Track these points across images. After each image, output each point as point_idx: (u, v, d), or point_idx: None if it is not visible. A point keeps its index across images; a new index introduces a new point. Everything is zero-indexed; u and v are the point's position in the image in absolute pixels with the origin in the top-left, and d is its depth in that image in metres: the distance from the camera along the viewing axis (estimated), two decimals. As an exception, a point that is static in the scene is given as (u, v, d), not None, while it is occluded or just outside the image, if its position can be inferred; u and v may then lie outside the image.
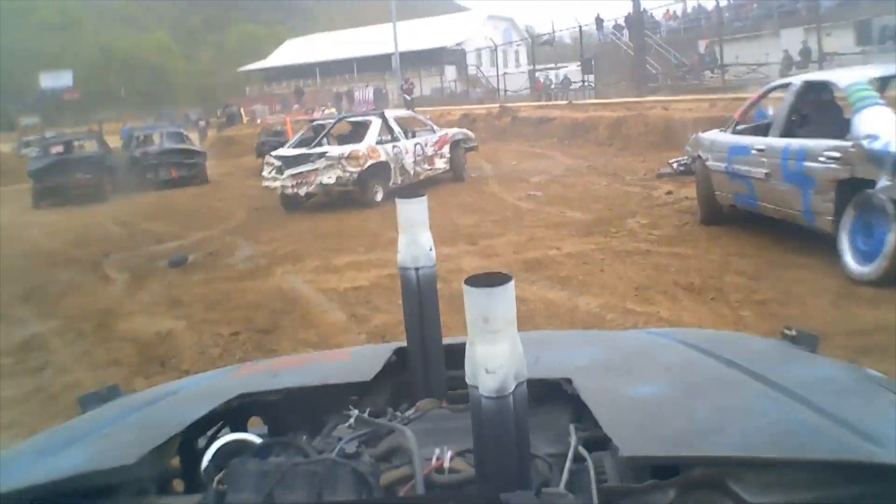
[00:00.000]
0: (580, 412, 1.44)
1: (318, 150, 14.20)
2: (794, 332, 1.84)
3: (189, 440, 1.55)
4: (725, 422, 1.33)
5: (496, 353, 1.09)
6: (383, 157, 14.13)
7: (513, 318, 1.10)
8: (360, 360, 1.89)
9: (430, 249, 1.64)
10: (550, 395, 1.53)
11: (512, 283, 1.09)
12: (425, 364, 1.67)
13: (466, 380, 1.13)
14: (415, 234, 1.62)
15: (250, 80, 71.82)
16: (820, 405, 1.34)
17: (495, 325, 1.08)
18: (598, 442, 1.31)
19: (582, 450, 1.27)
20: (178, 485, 1.54)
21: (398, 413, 1.56)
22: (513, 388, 1.11)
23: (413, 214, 1.62)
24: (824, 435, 1.24)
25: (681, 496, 1.16)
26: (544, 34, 44.60)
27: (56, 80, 63.55)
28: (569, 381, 1.51)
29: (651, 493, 1.17)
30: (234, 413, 1.65)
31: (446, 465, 1.26)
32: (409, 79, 40.00)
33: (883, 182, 6.10)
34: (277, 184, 14.25)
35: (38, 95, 61.19)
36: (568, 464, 1.24)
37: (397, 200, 1.63)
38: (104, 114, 58.62)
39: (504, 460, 1.15)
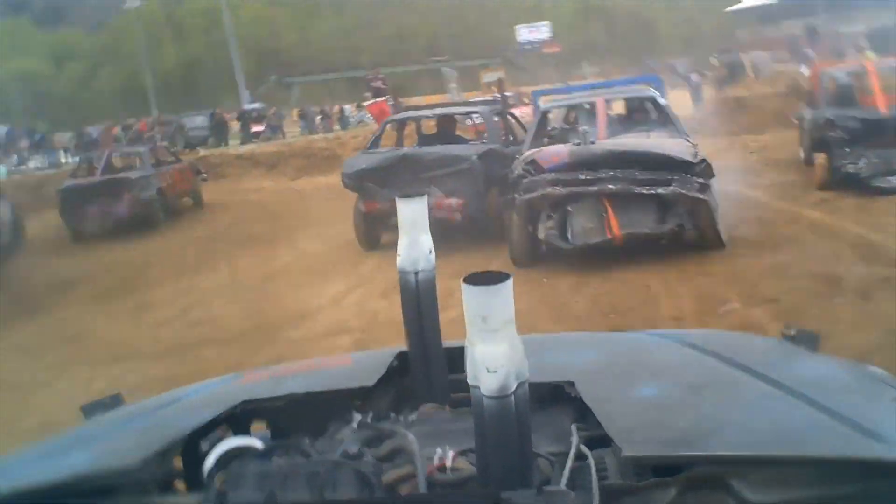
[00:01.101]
0: (583, 414, 1.42)
1: None
2: (793, 332, 1.80)
3: (192, 446, 1.51)
4: (727, 421, 1.31)
5: (496, 353, 1.07)
6: None
7: (511, 317, 1.08)
8: (362, 365, 1.86)
9: (430, 252, 1.57)
10: (553, 397, 1.51)
11: (510, 281, 1.07)
12: (426, 368, 1.63)
13: (468, 380, 1.12)
14: (415, 236, 1.55)
15: (740, 21, 58.94)
16: (821, 403, 1.32)
17: (494, 324, 1.06)
18: (600, 440, 1.29)
19: (584, 448, 1.27)
20: (179, 484, 1.49)
21: (401, 417, 1.54)
22: (514, 387, 1.10)
23: (412, 215, 1.55)
24: (826, 432, 1.23)
25: (682, 494, 1.14)
26: None
27: (533, 33, 57.86)
28: (571, 384, 1.49)
29: (653, 492, 1.15)
30: (236, 419, 1.62)
31: (448, 464, 1.24)
32: None
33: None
34: None
35: (516, 50, 54.88)
36: (569, 462, 1.23)
37: (397, 200, 1.55)
38: (586, 68, 52.38)
39: (506, 460, 1.14)
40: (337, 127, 38.01)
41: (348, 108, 40.38)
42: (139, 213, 15.27)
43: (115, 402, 1.88)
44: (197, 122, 35.21)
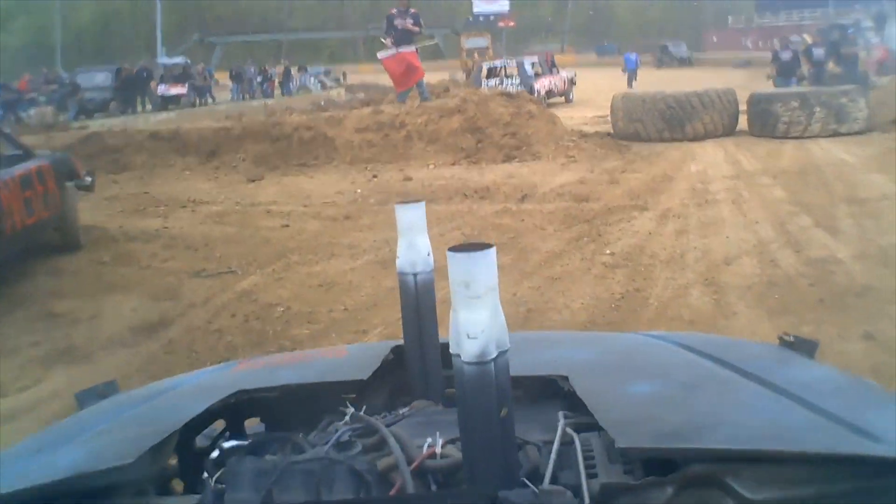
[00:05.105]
0: (576, 410, 1.35)
1: None
2: (791, 338, 1.72)
3: (187, 438, 1.46)
4: (721, 418, 1.26)
5: (478, 319, 1.05)
6: None
7: (494, 286, 1.06)
8: (357, 357, 1.79)
9: (428, 254, 1.53)
10: (546, 393, 1.47)
11: (493, 249, 1.05)
12: (423, 364, 1.57)
13: (451, 349, 1.09)
14: (413, 239, 1.52)
15: (734, 8, 52.66)
16: (816, 403, 1.26)
17: (476, 290, 1.05)
18: (587, 427, 1.25)
19: (570, 430, 1.23)
20: (177, 483, 1.44)
21: (392, 412, 1.47)
22: (494, 355, 1.07)
23: (411, 219, 1.51)
24: (821, 430, 1.18)
25: (678, 493, 1.08)
26: None
27: (490, 4, 52.08)
28: (565, 378, 1.44)
29: (649, 490, 1.09)
30: (231, 410, 1.55)
31: (438, 450, 1.18)
32: None
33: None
34: None
35: (469, 22, 47.83)
36: (556, 444, 1.19)
37: (396, 206, 1.52)
38: (538, 45, 47.14)
39: (486, 427, 1.09)
40: (277, 92, 29.02)
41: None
42: None
43: (109, 389, 1.79)
44: (97, 80, 25.53)
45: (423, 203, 1.52)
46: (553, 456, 1.16)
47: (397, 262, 1.54)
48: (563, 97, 23.68)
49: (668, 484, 1.08)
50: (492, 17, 51.00)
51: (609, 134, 13.45)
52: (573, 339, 2.14)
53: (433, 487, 1.17)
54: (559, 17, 62.71)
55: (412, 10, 13.55)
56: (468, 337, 1.06)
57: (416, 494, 1.12)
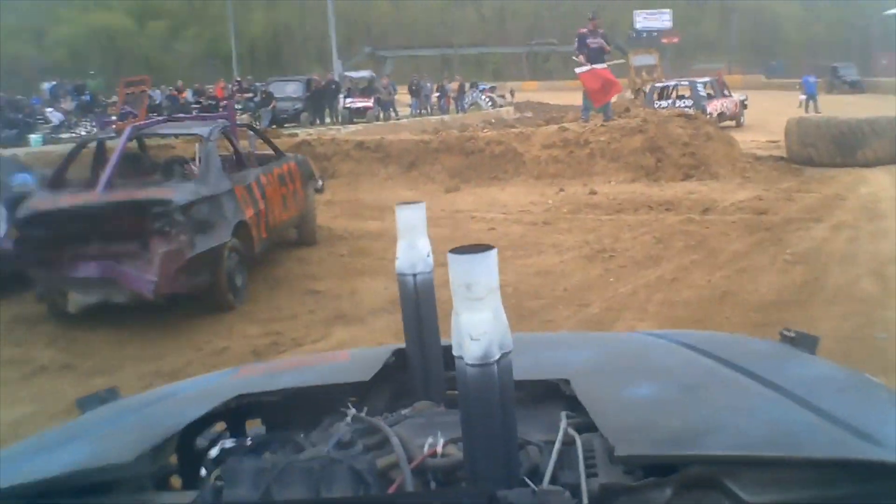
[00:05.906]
0: (578, 409, 1.35)
1: None
2: (793, 334, 1.72)
3: (188, 440, 1.48)
4: (722, 421, 1.26)
5: (480, 321, 1.06)
6: None
7: (496, 287, 1.07)
8: (358, 361, 1.80)
9: (428, 255, 1.54)
10: (549, 393, 1.46)
11: (495, 251, 1.07)
12: (424, 366, 1.59)
13: (453, 351, 1.10)
14: (413, 240, 1.52)
15: None
16: (817, 404, 1.27)
17: (478, 292, 1.05)
18: (590, 427, 1.25)
19: (571, 431, 1.24)
20: (175, 481, 1.46)
21: (394, 414, 1.47)
22: (497, 356, 1.08)
23: (411, 220, 1.52)
24: (821, 433, 1.18)
25: (678, 494, 1.10)
26: None
27: (653, 20, 51.52)
28: (566, 382, 1.44)
29: (649, 491, 1.11)
30: (232, 413, 1.58)
31: (439, 450, 1.19)
32: None
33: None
34: None
35: (632, 38, 47.29)
36: (557, 445, 1.20)
37: (397, 206, 1.53)
38: (702, 64, 46.15)
39: (489, 427, 1.10)
40: (451, 107, 30.49)
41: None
42: (186, 285, 6.41)
43: (110, 395, 1.80)
44: (288, 90, 27.10)
45: (423, 204, 1.53)
46: (554, 456, 1.17)
47: (397, 262, 1.55)
48: (733, 121, 22.99)
49: (667, 485, 1.10)
50: (655, 34, 50.06)
51: (782, 158, 14.04)
52: (573, 340, 2.13)
53: (433, 486, 1.17)
54: (724, 33, 61.26)
55: (601, 31, 14.61)
56: (471, 339, 1.06)
57: (415, 492, 1.13)
